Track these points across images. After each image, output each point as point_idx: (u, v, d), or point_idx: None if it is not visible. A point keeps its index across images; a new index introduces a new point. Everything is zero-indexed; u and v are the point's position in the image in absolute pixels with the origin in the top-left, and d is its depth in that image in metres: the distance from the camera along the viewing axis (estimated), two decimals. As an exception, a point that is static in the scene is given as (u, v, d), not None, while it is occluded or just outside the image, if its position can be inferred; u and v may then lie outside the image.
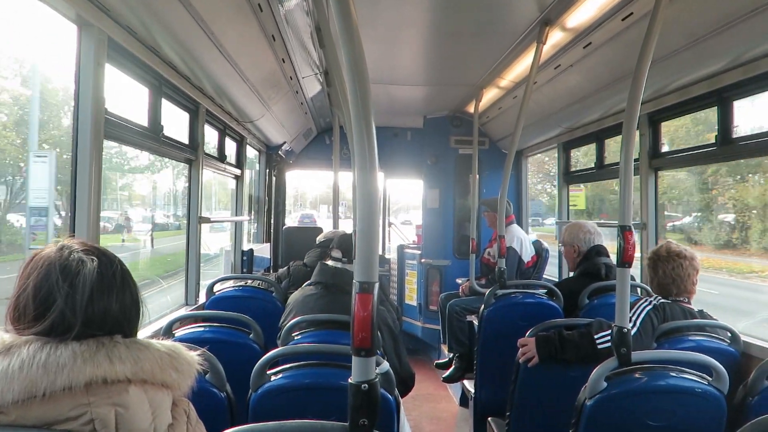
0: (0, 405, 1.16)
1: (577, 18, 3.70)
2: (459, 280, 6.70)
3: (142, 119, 3.62)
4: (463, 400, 5.94)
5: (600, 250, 4.40)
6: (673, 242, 3.29)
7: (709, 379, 2.36)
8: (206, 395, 2.21)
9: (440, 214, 8.02)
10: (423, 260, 8.05)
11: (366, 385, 1.35)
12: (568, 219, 6.41)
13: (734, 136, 3.57)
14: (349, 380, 1.37)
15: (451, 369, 6.00)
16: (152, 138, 3.70)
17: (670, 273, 3.16)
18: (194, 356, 1.44)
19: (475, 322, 4.71)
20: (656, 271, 3.21)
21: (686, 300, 3.19)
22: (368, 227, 1.37)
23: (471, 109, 6.59)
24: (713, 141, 3.71)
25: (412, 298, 8.33)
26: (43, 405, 1.19)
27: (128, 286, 1.43)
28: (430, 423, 5.83)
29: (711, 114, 3.79)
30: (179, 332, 3.07)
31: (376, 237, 1.38)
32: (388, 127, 8.36)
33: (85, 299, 1.32)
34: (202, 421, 1.48)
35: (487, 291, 4.34)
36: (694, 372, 2.40)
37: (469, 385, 4.95)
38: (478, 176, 6.41)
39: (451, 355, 6.09)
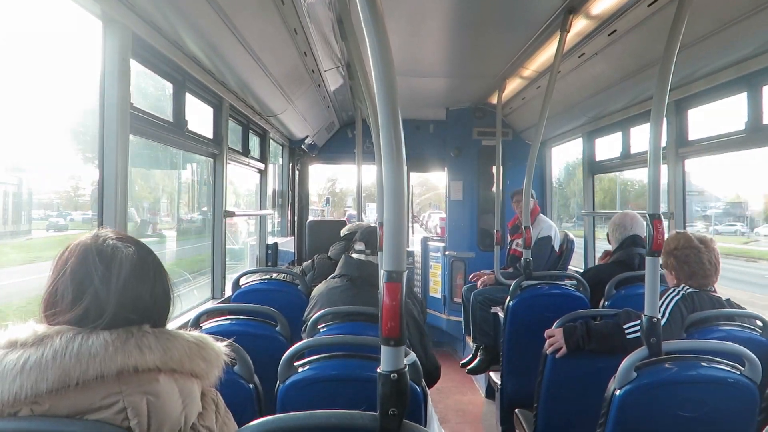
0: (35, 394, 1.18)
1: (602, 5, 3.66)
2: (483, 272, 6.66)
3: (166, 114, 3.66)
4: (489, 392, 5.92)
5: (636, 240, 4.33)
6: (689, 232, 3.22)
7: (741, 369, 2.32)
8: (234, 386, 2.23)
9: (464, 206, 7.98)
10: (447, 252, 8.03)
11: (395, 375, 1.34)
12: (593, 210, 6.35)
13: (765, 122, 3.50)
14: (378, 370, 1.36)
15: (476, 361, 5.98)
16: (177, 133, 3.74)
17: (714, 261, 3.08)
18: (222, 346, 1.46)
19: (500, 314, 4.69)
20: (689, 258, 3.12)
21: (712, 289, 3.13)
22: (395, 217, 1.37)
23: (494, 100, 6.54)
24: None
25: (436, 291, 8.31)
26: (76, 394, 1.20)
27: (160, 276, 1.45)
28: (456, 415, 5.82)
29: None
30: (206, 325, 3.10)
31: (403, 226, 1.38)
32: (410, 120, 8.34)
33: (120, 284, 1.34)
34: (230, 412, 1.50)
35: (512, 282, 4.32)
36: (726, 362, 2.36)
37: (495, 376, 4.92)
38: (501, 168, 6.36)
39: (474, 349, 6.09)
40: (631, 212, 4.55)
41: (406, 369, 1.37)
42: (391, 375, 1.35)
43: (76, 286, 1.33)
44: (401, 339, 1.35)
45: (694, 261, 3.12)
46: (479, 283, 6.11)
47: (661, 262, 2.69)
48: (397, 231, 1.37)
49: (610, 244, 4.58)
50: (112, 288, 1.33)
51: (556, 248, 5.98)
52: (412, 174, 9.25)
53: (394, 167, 1.35)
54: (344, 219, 12.94)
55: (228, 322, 3.18)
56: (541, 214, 6.22)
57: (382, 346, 1.36)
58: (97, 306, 1.31)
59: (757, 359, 2.31)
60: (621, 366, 2.33)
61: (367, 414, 1.39)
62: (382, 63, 1.34)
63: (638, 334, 2.71)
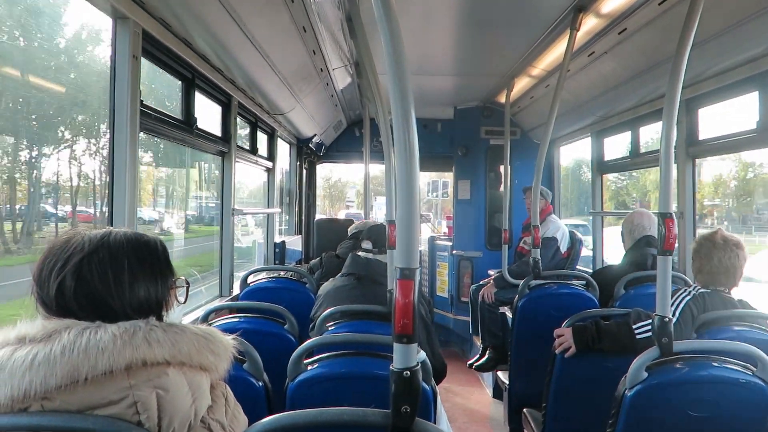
0: (45, 390, 1.18)
1: (612, 3, 3.63)
2: (491, 272, 6.65)
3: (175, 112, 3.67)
4: (497, 392, 5.91)
5: (650, 241, 4.26)
6: (724, 230, 3.16)
7: (754, 369, 2.31)
8: (244, 384, 2.22)
9: (471, 205, 7.97)
10: (454, 252, 8.02)
11: (408, 373, 1.34)
12: (602, 209, 6.32)
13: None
14: (391, 367, 1.36)
15: (483, 358, 5.98)
16: (186, 131, 3.74)
17: (726, 263, 3.02)
18: (229, 339, 1.47)
19: (508, 314, 4.68)
20: (711, 259, 3.05)
21: (727, 290, 3.09)
22: (408, 214, 1.36)
23: (502, 98, 6.52)
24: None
25: (443, 290, 8.30)
26: (85, 389, 1.20)
27: (168, 270, 1.48)
28: (463, 414, 5.82)
29: None
30: (215, 322, 3.11)
31: (416, 224, 1.38)
32: (418, 118, 8.23)
33: (130, 279, 1.37)
34: None
35: (520, 282, 4.30)
36: (738, 362, 2.34)
37: (503, 376, 4.92)
38: (509, 167, 6.35)
39: (482, 349, 6.08)
40: (647, 212, 4.48)
41: (419, 366, 1.37)
42: (404, 372, 1.34)
43: (84, 283, 1.35)
44: (414, 336, 1.35)
45: (705, 255, 3.08)
46: (484, 295, 6.04)
47: None
48: (409, 228, 1.36)
49: (623, 243, 4.52)
50: (122, 283, 1.36)
51: (563, 250, 5.94)
52: (423, 172, 9.22)
53: (406, 165, 1.35)
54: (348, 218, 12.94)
55: (236, 319, 3.18)
56: (552, 215, 6.20)
57: (394, 344, 1.36)
58: (105, 303, 1.34)
59: None
60: (632, 366, 2.31)
61: (379, 411, 1.39)
62: (395, 60, 1.34)
63: (649, 333, 2.70)
